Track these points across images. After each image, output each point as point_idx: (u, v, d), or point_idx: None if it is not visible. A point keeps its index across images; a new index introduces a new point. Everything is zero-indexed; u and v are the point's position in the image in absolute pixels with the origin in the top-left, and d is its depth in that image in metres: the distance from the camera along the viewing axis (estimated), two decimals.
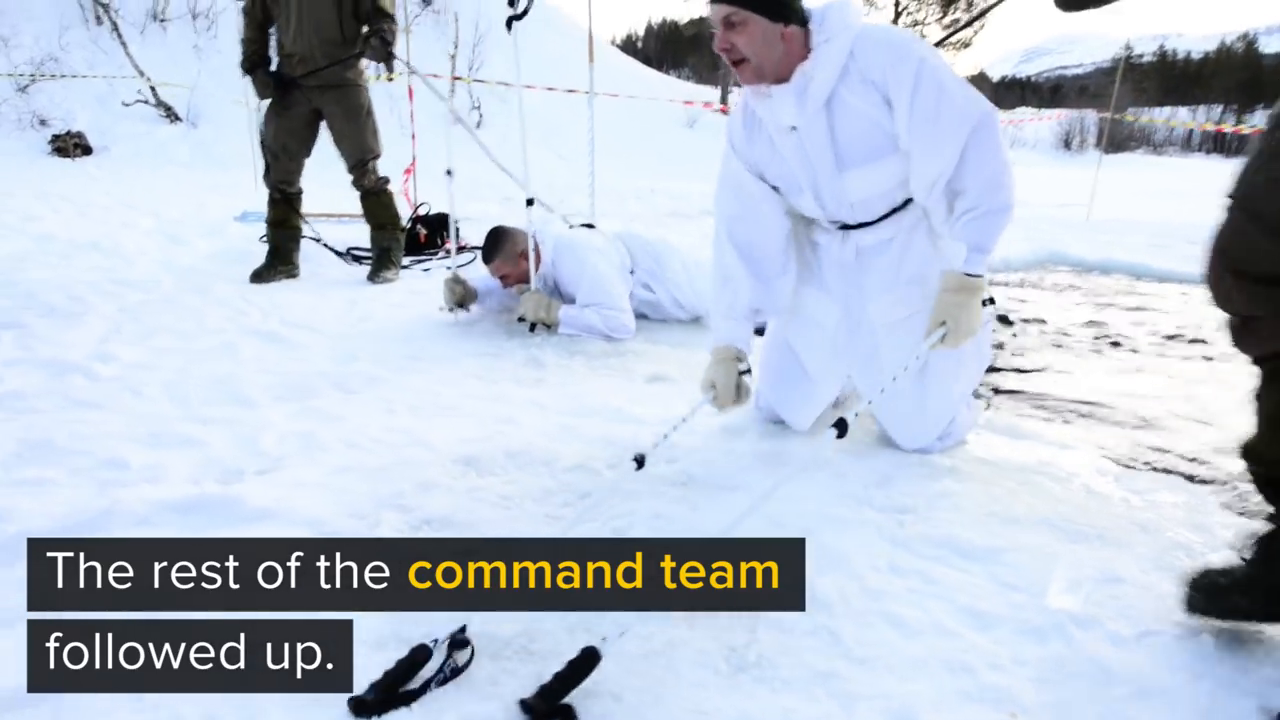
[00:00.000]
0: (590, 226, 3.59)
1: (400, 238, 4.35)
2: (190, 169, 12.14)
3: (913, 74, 1.73)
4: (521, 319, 3.08)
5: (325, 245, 4.63)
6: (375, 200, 4.21)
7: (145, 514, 1.58)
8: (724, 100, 20.74)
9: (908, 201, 1.94)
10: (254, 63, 3.98)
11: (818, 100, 1.78)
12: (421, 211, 5.16)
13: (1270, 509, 1.34)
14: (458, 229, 4.42)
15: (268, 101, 4.08)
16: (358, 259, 4.80)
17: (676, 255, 3.32)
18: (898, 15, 23.01)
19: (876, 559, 1.51)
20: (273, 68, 4.04)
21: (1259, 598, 1.28)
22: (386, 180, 4.26)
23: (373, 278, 4.13)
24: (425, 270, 4.52)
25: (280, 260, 4.17)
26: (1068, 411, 2.51)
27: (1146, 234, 7.23)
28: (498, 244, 3.15)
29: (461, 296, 3.25)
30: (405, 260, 4.84)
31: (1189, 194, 14.94)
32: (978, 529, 1.63)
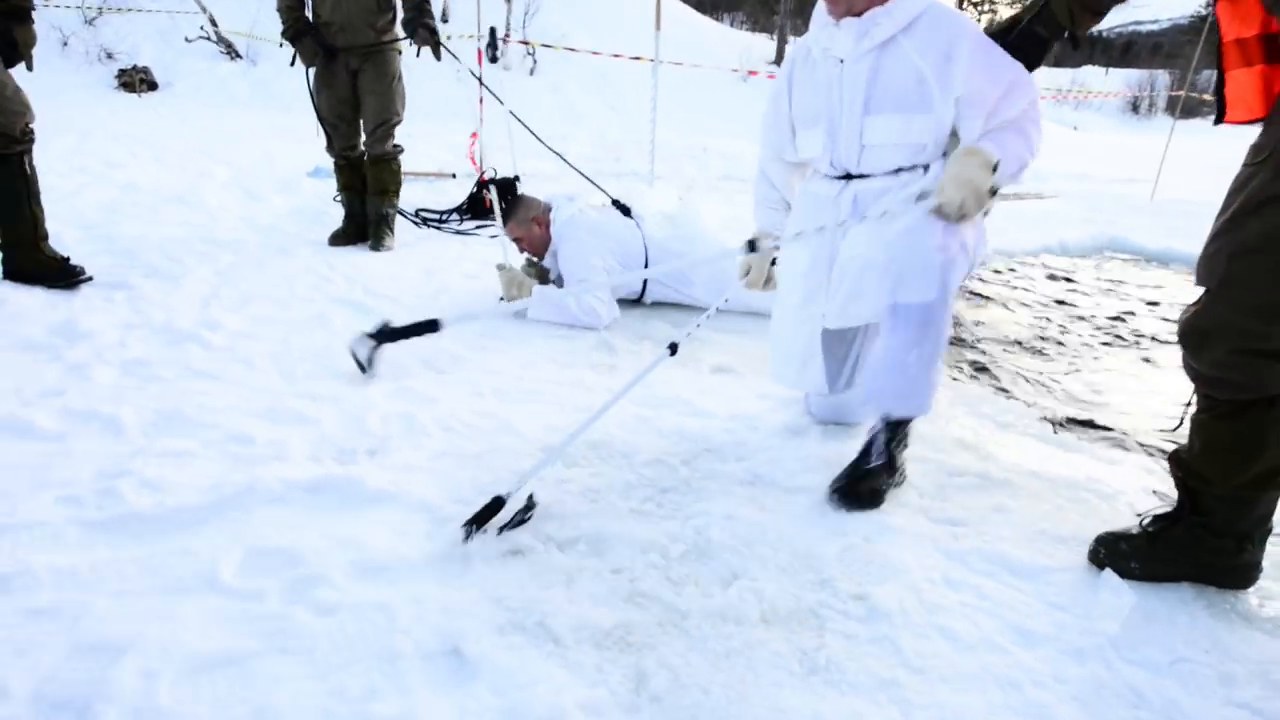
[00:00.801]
0: (623, 210, 3.61)
1: (397, 204, 4.41)
2: (250, 108, 12.35)
3: (973, 35, 1.88)
4: (503, 298, 3.24)
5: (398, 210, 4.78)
6: (385, 166, 4.27)
7: (281, 492, 1.78)
8: (779, 58, 20.32)
9: (912, 170, 1.99)
10: (298, 30, 4.02)
11: (874, 40, 1.89)
12: (488, 176, 5.29)
13: (1177, 500, 1.70)
14: (512, 181, 4.51)
15: (314, 71, 4.11)
16: (425, 221, 4.97)
17: (707, 274, 3.38)
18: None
19: (932, 572, 1.67)
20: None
21: (1146, 563, 1.66)
22: (401, 149, 4.34)
23: (376, 247, 4.20)
24: (493, 237, 4.67)
25: (357, 225, 4.34)
26: (1111, 426, 2.61)
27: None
28: (513, 209, 3.37)
29: (515, 289, 3.25)
30: (471, 224, 5.02)
31: None
32: (1028, 547, 1.77)
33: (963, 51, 1.85)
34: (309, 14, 4.07)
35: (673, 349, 2.13)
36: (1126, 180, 11.62)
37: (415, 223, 4.83)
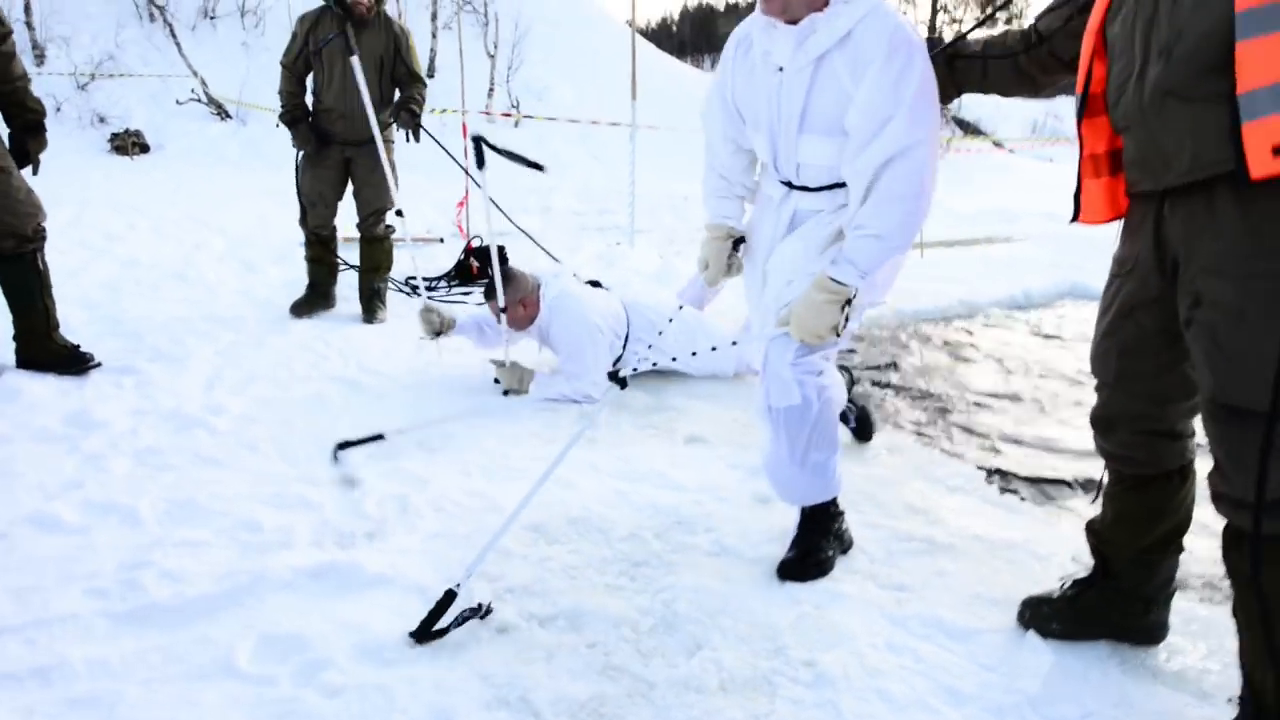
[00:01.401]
0: (597, 284, 3.84)
1: (389, 279, 4.65)
2: (241, 167, 12.65)
3: (889, 70, 1.78)
4: (497, 381, 3.40)
5: (350, 266, 4.88)
6: (378, 245, 4.51)
7: (289, 579, 1.97)
8: None
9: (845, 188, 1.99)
10: (295, 116, 4.25)
11: (810, 53, 1.85)
12: (475, 244, 5.53)
13: (1093, 565, 1.89)
14: (497, 251, 4.75)
15: (302, 152, 4.34)
16: (414, 289, 5.20)
17: (679, 328, 3.53)
18: (935, 13, 22.89)
19: (876, 637, 1.86)
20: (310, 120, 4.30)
21: (1066, 624, 1.86)
22: (392, 229, 4.57)
23: (370, 319, 4.41)
24: (479, 304, 4.89)
25: (319, 295, 4.56)
26: (1054, 482, 2.84)
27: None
28: (506, 284, 3.37)
29: (437, 326, 3.48)
30: (458, 292, 5.24)
31: None
32: (964, 610, 1.97)
33: (865, 84, 1.80)
34: (311, 97, 4.32)
35: (622, 383, 2.30)
36: None
37: (406, 293, 5.04)
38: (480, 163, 3.11)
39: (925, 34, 21.23)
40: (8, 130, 3.25)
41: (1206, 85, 1.38)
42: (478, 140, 3.11)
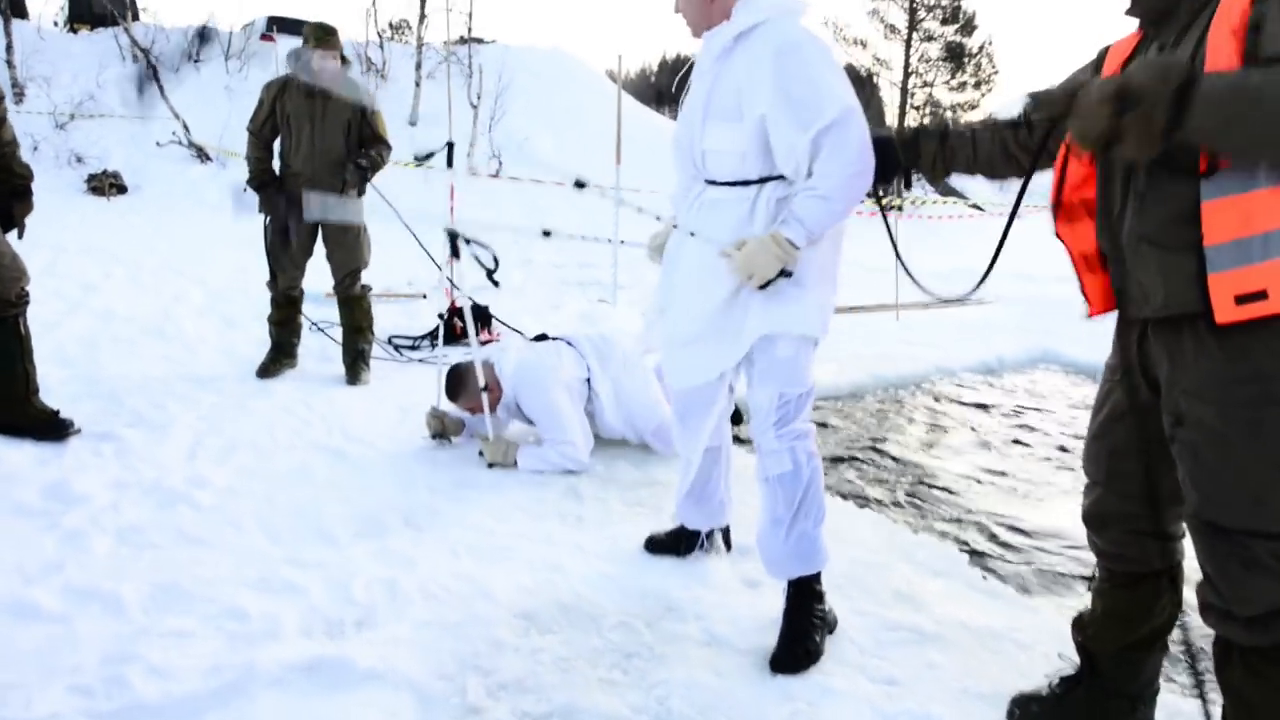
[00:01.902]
0: (544, 337, 3.87)
1: (371, 339, 4.66)
2: (219, 211, 12.55)
3: (790, 59, 1.94)
4: (481, 455, 3.39)
5: (330, 337, 4.91)
6: (357, 305, 4.53)
7: (278, 675, 1.94)
8: None
9: (759, 183, 2.08)
10: (262, 180, 4.30)
11: (712, 53, 2.06)
12: (459, 305, 5.55)
13: (1077, 662, 1.92)
14: (487, 312, 4.75)
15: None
16: (398, 349, 5.20)
17: (643, 375, 3.63)
18: (907, 76, 23.64)
19: None
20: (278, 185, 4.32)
21: None
22: (369, 288, 4.61)
23: (353, 381, 4.41)
24: None
25: (284, 355, 4.56)
26: (1035, 569, 2.88)
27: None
28: (457, 386, 3.47)
29: (440, 429, 3.54)
30: (444, 350, 5.24)
31: None
32: (954, 706, 1.99)
33: (775, 68, 1.94)
34: (279, 162, 4.35)
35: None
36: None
37: (394, 356, 5.03)
38: (454, 253, 3.21)
39: (899, 98, 21.67)
40: None
41: (1178, 234, 1.47)
42: (452, 235, 3.21)
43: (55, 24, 17.62)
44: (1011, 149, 2.02)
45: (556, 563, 2.59)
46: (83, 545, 2.52)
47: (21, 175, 3.25)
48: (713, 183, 2.15)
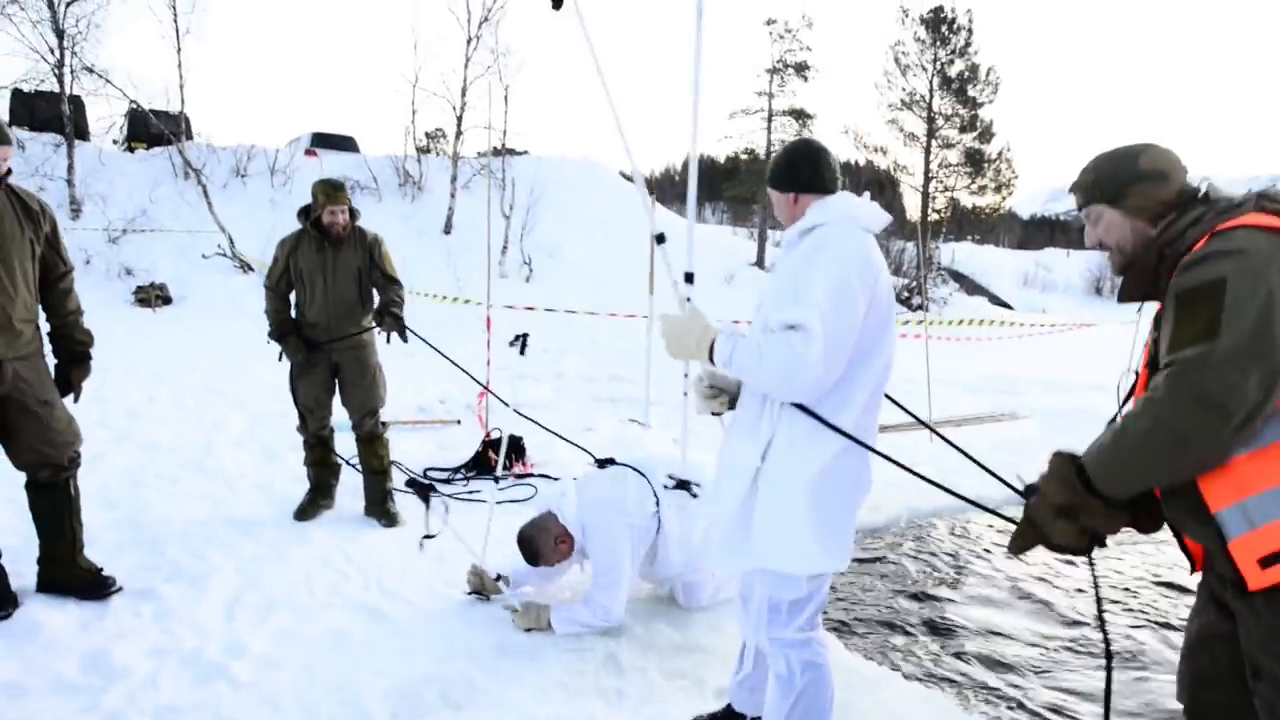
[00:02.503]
0: (609, 462, 3.69)
1: (390, 474, 4.66)
2: (260, 321, 12.91)
3: (822, 255, 2.07)
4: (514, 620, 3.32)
5: (358, 469, 4.80)
6: (378, 442, 4.58)
7: None
8: (760, 260, 21.65)
9: None
10: (283, 331, 4.43)
11: (786, 243, 2.26)
12: (493, 436, 5.60)
13: None
14: (521, 443, 4.70)
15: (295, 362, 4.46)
16: (431, 487, 5.21)
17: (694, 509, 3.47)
18: (928, 181, 24.12)
19: None
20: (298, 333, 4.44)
21: None
22: (386, 426, 4.68)
23: (388, 524, 4.44)
24: (499, 503, 4.89)
25: (321, 496, 4.61)
26: None
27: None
28: (534, 552, 3.35)
29: (480, 586, 3.52)
30: (476, 484, 5.25)
31: None
32: None
33: (808, 256, 2.09)
34: (295, 312, 4.49)
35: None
36: (1095, 387, 12.17)
37: (423, 499, 5.01)
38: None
39: (920, 201, 22.01)
40: (54, 360, 3.36)
41: (1192, 506, 1.54)
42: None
43: (115, 143, 18.61)
44: None
45: None
46: None
47: (82, 342, 3.37)
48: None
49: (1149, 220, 1.69)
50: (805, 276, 2.05)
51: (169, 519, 4.28)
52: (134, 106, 16.64)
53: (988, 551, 4.81)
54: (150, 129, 16.90)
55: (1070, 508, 1.55)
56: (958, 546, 4.93)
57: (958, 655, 3.53)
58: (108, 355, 8.72)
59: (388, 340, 4.53)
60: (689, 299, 2.29)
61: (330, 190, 4.39)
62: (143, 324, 12.00)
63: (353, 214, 4.50)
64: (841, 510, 2.18)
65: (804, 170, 2.23)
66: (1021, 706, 3.10)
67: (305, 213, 4.45)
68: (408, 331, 4.51)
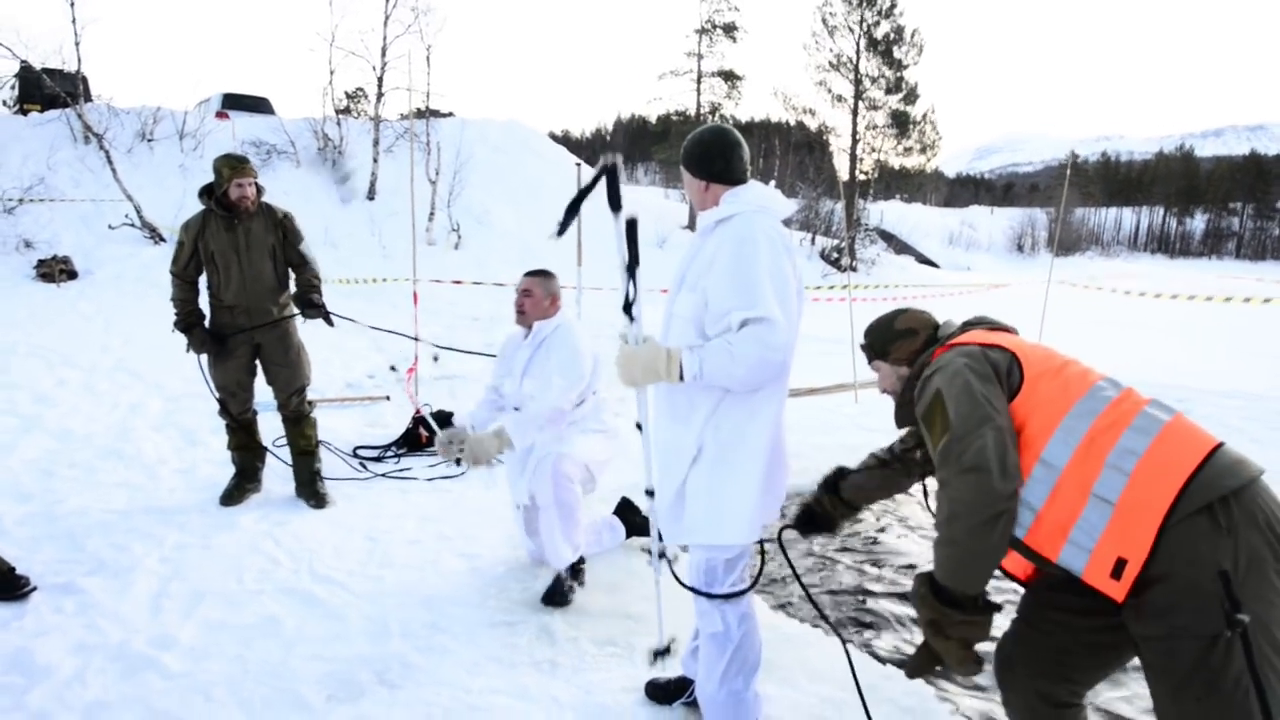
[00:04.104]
0: None
1: (319, 454, 4.61)
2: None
3: (747, 250, 2.15)
4: (458, 462, 3.35)
5: (285, 462, 4.75)
6: (306, 421, 4.54)
7: None
8: (691, 223, 21.72)
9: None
10: (190, 323, 4.29)
11: (700, 230, 2.35)
12: (423, 411, 5.58)
13: None
14: (451, 418, 4.76)
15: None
16: (363, 463, 5.18)
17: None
18: (855, 142, 24.45)
19: None
20: (205, 321, 4.34)
21: None
22: (314, 405, 4.63)
23: (317, 505, 4.39)
24: (429, 480, 4.91)
25: (247, 479, 4.54)
26: None
27: None
28: (546, 273, 3.62)
29: (457, 455, 3.38)
30: (408, 461, 5.24)
31: (1143, 323, 15.78)
32: None
33: (734, 253, 2.15)
34: (209, 296, 4.34)
35: None
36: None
37: (357, 473, 5.00)
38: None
39: (848, 163, 22.31)
40: None
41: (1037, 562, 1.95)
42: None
43: (5, 105, 17.45)
44: (895, 468, 2.45)
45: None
46: None
47: None
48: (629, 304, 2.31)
49: (907, 365, 2.19)
50: (745, 270, 2.13)
51: (87, 510, 4.17)
52: (24, 66, 15.58)
53: (904, 519, 5.05)
54: (44, 90, 15.85)
55: (935, 623, 1.87)
56: (883, 507, 5.15)
57: (878, 615, 3.73)
58: (10, 335, 8.31)
59: (306, 320, 4.45)
60: (645, 336, 2.21)
61: (235, 163, 4.25)
62: (46, 300, 11.38)
63: (259, 190, 4.37)
64: (773, 481, 2.33)
65: (717, 162, 2.31)
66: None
67: (209, 191, 4.27)
68: (332, 315, 4.45)
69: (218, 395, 4.44)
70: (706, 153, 2.32)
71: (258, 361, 4.47)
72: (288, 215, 4.45)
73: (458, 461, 3.43)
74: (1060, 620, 1.96)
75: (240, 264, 4.26)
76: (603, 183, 2.18)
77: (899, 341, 2.21)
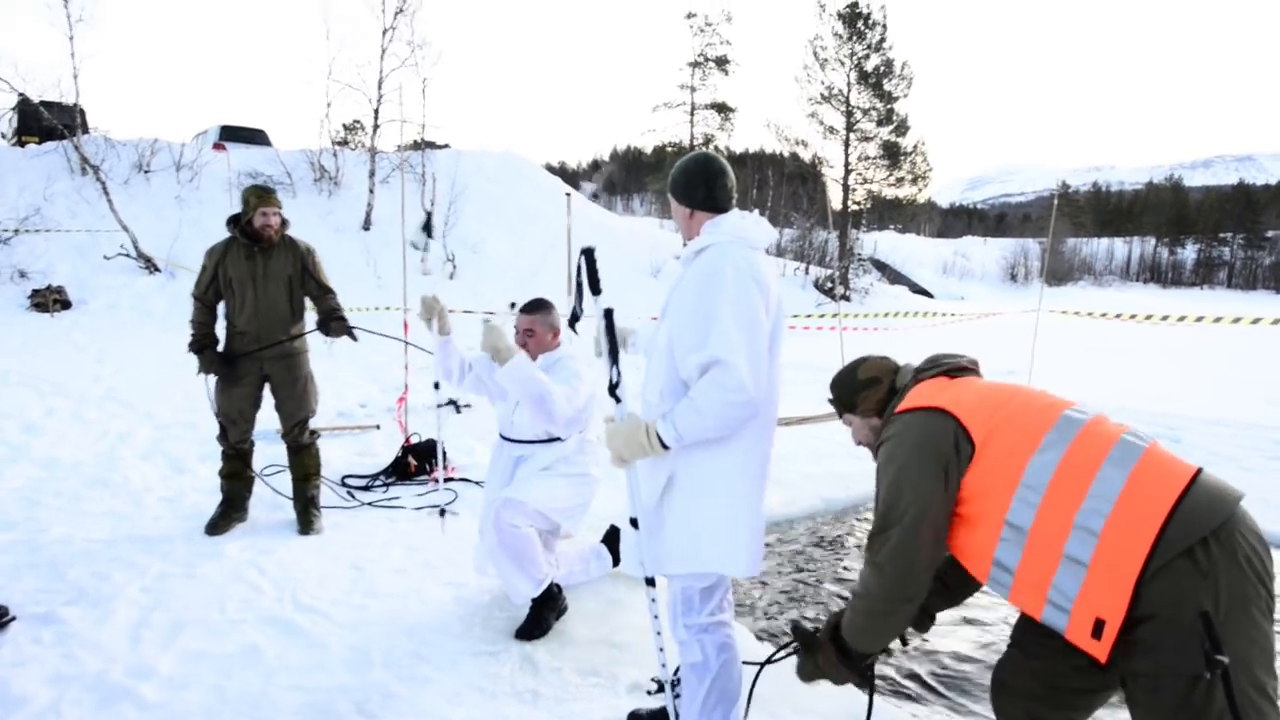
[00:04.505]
0: None
1: (319, 484, 4.62)
2: (167, 325, 12.46)
3: (714, 284, 2.14)
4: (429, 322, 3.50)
5: (277, 491, 4.79)
6: (306, 452, 4.55)
7: None
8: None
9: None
10: (203, 344, 4.35)
11: (684, 259, 2.34)
12: (412, 440, 5.57)
13: None
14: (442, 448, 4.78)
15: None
16: (350, 493, 5.16)
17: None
18: (847, 173, 24.70)
19: None
20: (220, 346, 4.40)
21: None
22: (318, 435, 4.65)
23: (305, 530, 4.40)
24: (417, 509, 4.89)
25: (234, 509, 4.51)
26: None
27: None
28: (545, 307, 3.60)
29: (429, 317, 3.61)
30: (397, 490, 5.22)
31: (1135, 349, 15.83)
32: None
33: (700, 287, 2.15)
34: (225, 323, 4.40)
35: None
36: (1005, 372, 12.75)
37: (346, 501, 4.98)
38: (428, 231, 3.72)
39: (841, 194, 22.48)
40: None
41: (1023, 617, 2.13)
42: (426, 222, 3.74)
43: (3, 136, 17.59)
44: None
45: None
46: None
47: None
48: (614, 387, 2.28)
49: (876, 415, 2.19)
50: (708, 308, 2.12)
51: (70, 539, 4.14)
52: (23, 98, 15.72)
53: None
54: (42, 122, 15.98)
55: (819, 651, 2.14)
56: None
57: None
58: (3, 364, 8.30)
59: (330, 338, 4.48)
60: (628, 413, 2.25)
61: (262, 193, 4.37)
62: (39, 330, 11.40)
63: (284, 222, 4.46)
64: (749, 513, 2.28)
65: (699, 190, 2.32)
66: (918, 679, 3.29)
67: (235, 221, 4.40)
68: (355, 330, 4.49)
69: (220, 421, 4.45)
70: (690, 180, 2.33)
71: (264, 393, 4.49)
72: (310, 249, 4.53)
73: (429, 322, 3.62)
74: (1054, 646, 1.93)
75: (255, 291, 4.32)
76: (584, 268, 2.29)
77: (864, 392, 2.20)
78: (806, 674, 2.20)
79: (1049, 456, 1.78)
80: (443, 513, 3.90)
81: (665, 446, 2.14)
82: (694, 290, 2.18)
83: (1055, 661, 1.96)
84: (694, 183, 2.33)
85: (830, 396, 2.30)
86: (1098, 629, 1.67)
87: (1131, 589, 1.63)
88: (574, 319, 2.37)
